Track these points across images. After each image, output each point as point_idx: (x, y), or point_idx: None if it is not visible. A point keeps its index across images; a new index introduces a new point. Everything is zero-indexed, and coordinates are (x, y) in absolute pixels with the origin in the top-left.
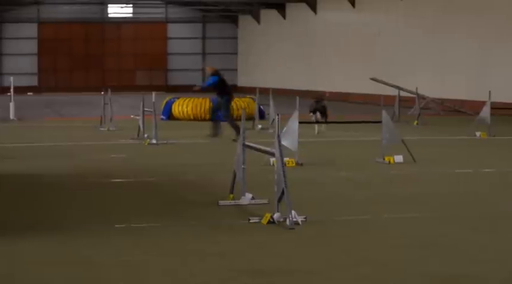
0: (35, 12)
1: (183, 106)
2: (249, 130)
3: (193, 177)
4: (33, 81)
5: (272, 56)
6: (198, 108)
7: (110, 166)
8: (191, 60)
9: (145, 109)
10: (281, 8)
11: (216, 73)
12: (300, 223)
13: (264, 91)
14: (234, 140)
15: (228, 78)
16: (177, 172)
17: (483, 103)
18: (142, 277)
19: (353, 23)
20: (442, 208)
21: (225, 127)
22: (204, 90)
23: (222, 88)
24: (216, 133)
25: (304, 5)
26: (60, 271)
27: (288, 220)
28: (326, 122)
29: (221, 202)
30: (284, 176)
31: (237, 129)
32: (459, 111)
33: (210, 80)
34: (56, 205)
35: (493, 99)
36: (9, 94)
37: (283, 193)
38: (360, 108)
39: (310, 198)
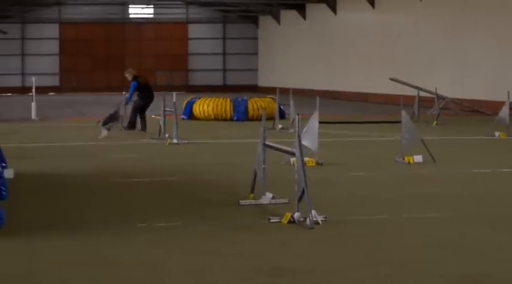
0: (57, 13)
1: (204, 106)
2: (269, 130)
3: (214, 177)
4: (55, 81)
5: (292, 56)
6: (219, 108)
7: (131, 165)
8: (212, 61)
9: (166, 109)
10: (301, 9)
11: (134, 78)
12: (320, 222)
13: (284, 91)
14: (122, 128)
15: (248, 78)
16: (198, 171)
17: (502, 103)
18: (162, 276)
19: (373, 23)
20: (461, 208)
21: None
22: (131, 99)
23: (142, 91)
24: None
25: (324, 6)
26: (79, 270)
27: (308, 219)
28: (347, 122)
29: (242, 202)
30: (304, 176)
31: (130, 124)
32: (478, 111)
33: (131, 88)
34: (75, 204)
35: None
36: (31, 94)
37: (303, 192)
38: (379, 108)
39: (330, 197)
